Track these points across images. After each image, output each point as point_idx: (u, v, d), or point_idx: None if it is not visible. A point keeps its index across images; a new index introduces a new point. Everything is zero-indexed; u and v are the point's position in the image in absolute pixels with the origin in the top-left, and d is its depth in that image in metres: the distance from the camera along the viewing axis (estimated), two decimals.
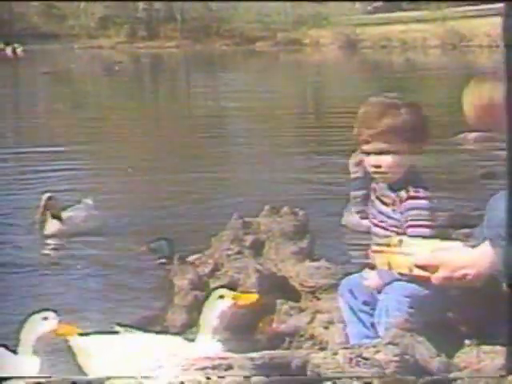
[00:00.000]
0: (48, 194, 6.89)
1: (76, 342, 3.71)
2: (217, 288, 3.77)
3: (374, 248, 3.45)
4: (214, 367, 3.33)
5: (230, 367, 3.31)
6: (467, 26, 31.63)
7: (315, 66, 29.33)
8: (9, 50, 36.76)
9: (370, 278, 3.56)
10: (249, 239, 4.41)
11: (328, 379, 3.15)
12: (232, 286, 4.04)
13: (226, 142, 12.27)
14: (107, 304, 5.06)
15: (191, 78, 26.98)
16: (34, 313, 3.70)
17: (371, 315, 3.55)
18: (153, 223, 7.04)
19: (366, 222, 3.60)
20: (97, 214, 7.12)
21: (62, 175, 9.47)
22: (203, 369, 3.35)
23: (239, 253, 4.36)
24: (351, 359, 3.18)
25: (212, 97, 19.17)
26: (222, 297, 3.60)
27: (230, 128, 14.02)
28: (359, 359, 3.18)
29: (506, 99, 2.52)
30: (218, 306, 3.57)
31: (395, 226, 3.51)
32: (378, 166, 3.53)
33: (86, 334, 3.75)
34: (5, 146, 11.73)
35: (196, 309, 3.92)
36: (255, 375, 3.26)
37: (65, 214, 6.93)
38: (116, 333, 3.72)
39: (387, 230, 3.53)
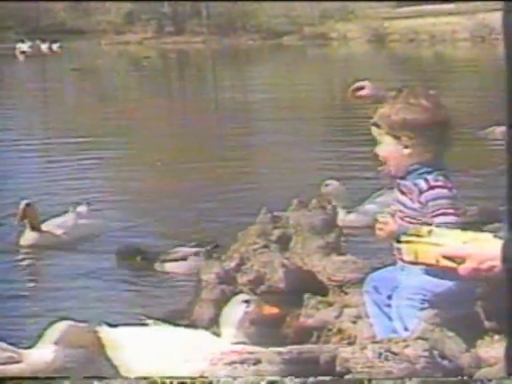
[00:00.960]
0: (26, 201, 6.32)
1: (105, 333, 3.71)
2: (241, 292, 3.76)
3: (403, 238, 3.41)
4: (242, 361, 3.32)
5: (258, 361, 3.30)
6: (496, 19, 31.39)
7: (343, 60, 29.22)
8: (45, 47, 37.30)
9: (387, 224, 3.51)
10: (276, 233, 4.39)
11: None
12: (259, 281, 4.02)
13: (254, 135, 12.25)
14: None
15: (218, 72, 26.98)
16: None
17: None
18: (179, 216, 7.06)
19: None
20: (86, 222, 6.62)
21: (89, 164, 9.58)
22: (231, 363, 3.34)
23: (265, 247, 4.34)
24: (380, 354, 3.16)
25: (239, 91, 19.15)
26: (247, 301, 3.58)
27: (257, 122, 14.00)
28: (388, 354, 3.15)
29: (507, 98, 2.49)
30: (241, 310, 3.55)
31: (409, 217, 3.47)
32: (377, 155, 3.59)
33: (115, 326, 3.75)
34: (33, 138, 11.88)
35: (223, 303, 3.91)
36: (283, 370, 3.24)
37: (46, 225, 6.42)
38: (145, 325, 3.71)
39: (402, 219, 3.50)
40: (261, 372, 3.27)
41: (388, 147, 3.54)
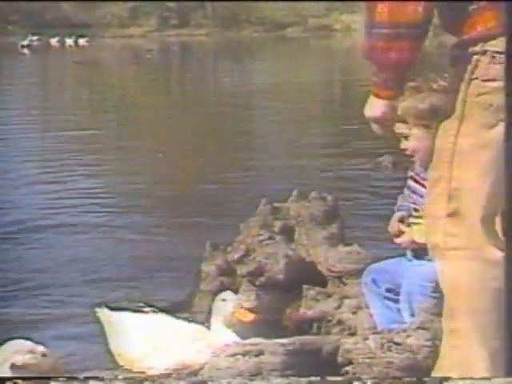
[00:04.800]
0: None
1: (105, 316, 3.69)
2: (225, 290, 3.74)
3: (413, 220, 3.41)
4: (244, 353, 3.30)
5: (260, 353, 3.28)
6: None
7: (346, 51, 29.19)
8: (71, 41, 37.89)
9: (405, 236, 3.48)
10: (278, 225, 4.37)
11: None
12: (258, 272, 4.01)
13: (254, 126, 12.27)
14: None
15: (221, 64, 26.99)
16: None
17: (396, 301, 3.51)
18: (180, 208, 7.07)
19: None
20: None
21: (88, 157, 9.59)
22: (234, 355, 3.33)
23: (270, 238, 4.32)
24: (383, 344, 3.15)
25: (240, 82, 19.16)
26: (224, 300, 3.57)
27: (258, 113, 14.00)
28: (391, 344, 3.15)
29: (506, 103, 2.48)
30: (220, 309, 3.55)
31: (416, 203, 3.45)
32: (405, 149, 3.50)
33: (117, 309, 3.73)
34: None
35: None
36: (286, 361, 3.23)
37: None
38: (144, 313, 3.69)
39: (419, 211, 3.48)
40: (263, 363, 3.25)
41: (417, 139, 3.41)
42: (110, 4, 44.01)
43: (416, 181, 3.53)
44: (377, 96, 2.69)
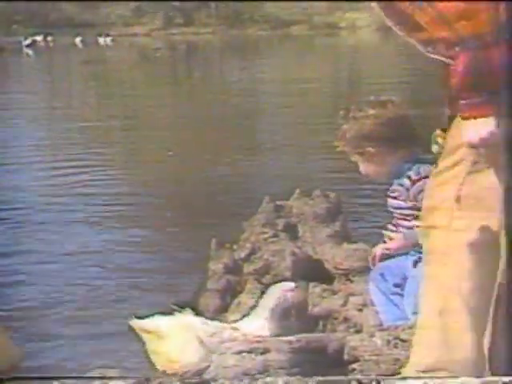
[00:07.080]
0: None
1: (138, 324, 3.64)
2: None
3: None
4: (250, 351, 3.30)
5: (266, 351, 3.28)
6: None
7: (351, 49, 29.20)
8: (101, 40, 38.48)
9: (392, 241, 3.53)
10: (281, 223, 4.38)
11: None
12: (265, 270, 4.02)
13: (261, 124, 12.29)
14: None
15: (228, 62, 27.02)
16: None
17: (403, 297, 3.52)
18: (185, 206, 7.09)
19: None
20: None
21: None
22: (239, 352, 3.33)
23: (275, 236, 4.34)
24: (389, 341, 3.15)
25: (249, 80, 19.18)
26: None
27: (265, 110, 14.02)
28: (397, 341, 3.15)
29: (506, 106, 2.46)
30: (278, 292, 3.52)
31: (409, 216, 3.50)
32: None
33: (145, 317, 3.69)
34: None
35: (229, 293, 3.90)
36: (292, 359, 3.23)
37: None
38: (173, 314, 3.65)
39: (405, 220, 3.52)
40: (269, 361, 3.25)
41: (362, 164, 3.56)
42: (114, 3, 44.08)
43: (392, 197, 3.58)
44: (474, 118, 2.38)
